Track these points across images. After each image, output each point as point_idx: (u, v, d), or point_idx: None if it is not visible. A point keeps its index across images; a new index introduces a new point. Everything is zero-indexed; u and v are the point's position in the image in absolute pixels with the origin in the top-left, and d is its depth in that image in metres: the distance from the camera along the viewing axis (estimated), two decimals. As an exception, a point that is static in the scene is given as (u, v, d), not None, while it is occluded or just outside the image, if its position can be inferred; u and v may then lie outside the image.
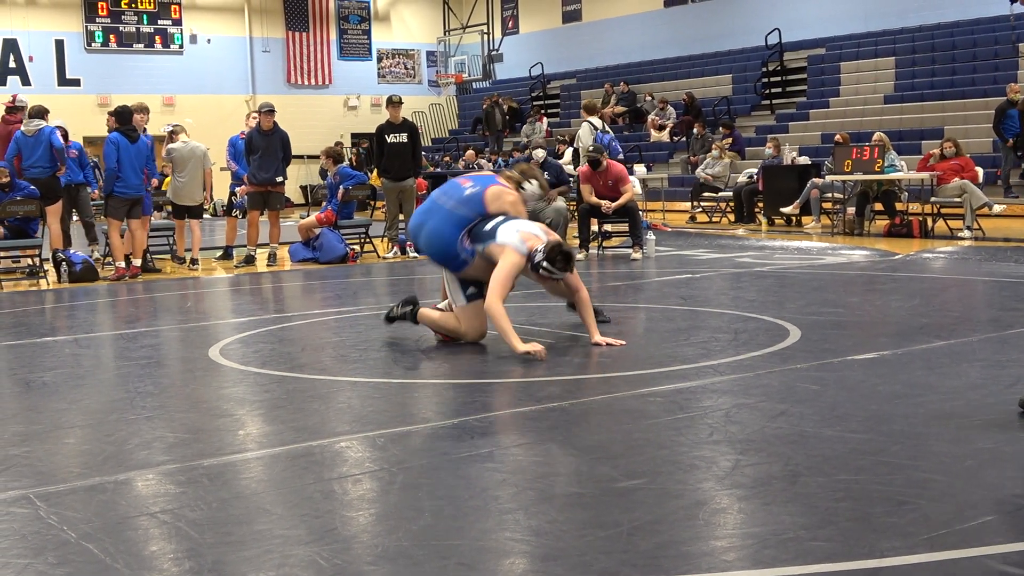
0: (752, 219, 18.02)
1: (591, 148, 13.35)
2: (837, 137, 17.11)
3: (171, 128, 14.16)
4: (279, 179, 13.70)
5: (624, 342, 6.69)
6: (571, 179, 14.70)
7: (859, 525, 3.34)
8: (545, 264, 6.47)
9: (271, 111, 13.84)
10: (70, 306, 10.32)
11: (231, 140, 14.52)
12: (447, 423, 4.91)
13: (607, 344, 6.61)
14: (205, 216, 17.49)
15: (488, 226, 6.72)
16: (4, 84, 27.94)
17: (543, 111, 27.60)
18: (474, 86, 32.05)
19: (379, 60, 34.31)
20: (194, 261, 13.67)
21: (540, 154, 13.47)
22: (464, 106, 33.32)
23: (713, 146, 20.11)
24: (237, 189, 14.50)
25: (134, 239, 12.72)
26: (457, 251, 6.72)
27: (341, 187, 14.65)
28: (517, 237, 6.58)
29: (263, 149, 13.58)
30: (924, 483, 3.76)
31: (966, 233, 14.12)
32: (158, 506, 3.83)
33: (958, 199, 14.50)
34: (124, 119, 12.68)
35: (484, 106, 29.39)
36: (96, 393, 5.97)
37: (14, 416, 5.39)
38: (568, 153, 17.56)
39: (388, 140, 14.24)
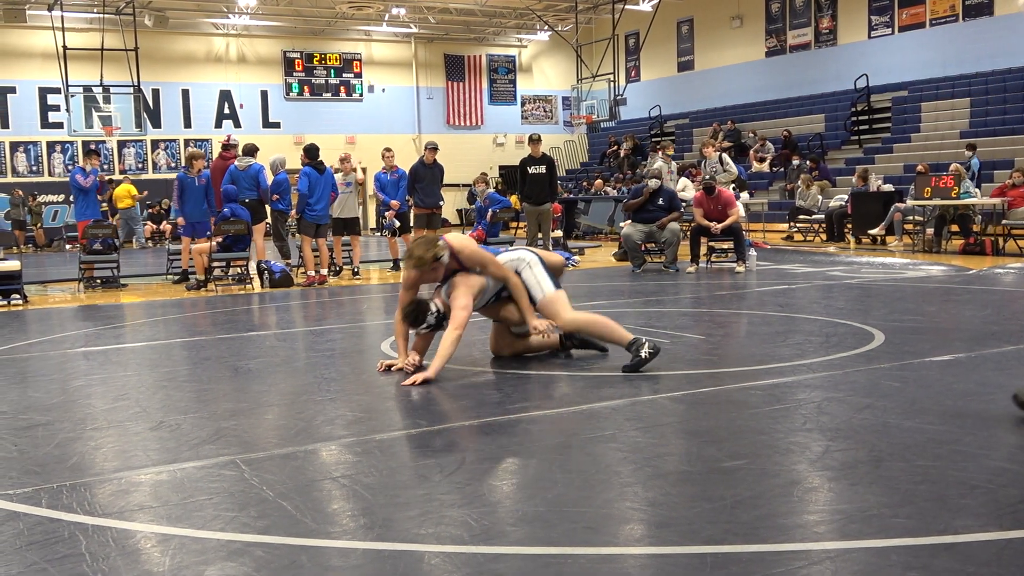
0: (842, 238, 17.63)
1: (707, 177, 13.25)
2: (918, 168, 16.63)
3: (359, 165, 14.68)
4: (440, 203, 14.16)
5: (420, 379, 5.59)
6: (684, 204, 14.56)
7: (935, 505, 3.22)
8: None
9: (435, 148, 14.17)
10: (270, 306, 10.63)
11: (376, 176, 14.68)
12: (576, 409, 4.89)
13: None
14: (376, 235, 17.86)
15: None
16: (220, 127, 28.98)
17: (660, 146, 27.34)
18: (602, 126, 31.92)
19: (522, 104, 34.48)
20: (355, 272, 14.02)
21: (654, 184, 13.31)
22: (593, 142, 33.24)
23: (800, 179, 19.76)
24: (386, 213, 14.70)
25: (320, 253, 13.06)
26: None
27: (490, 210, 14.79)
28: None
29: (427, 179, 13.88)
30: (994, 470, 3.60)
31: (1034, 251, 13.58)
32: (339, 472, 3.90)
33: (1027, 221, 13.97)
34: (313, 155, 13.01)
35: (610, 143, 29.26)
36: (290, 378, 6.11)
37: (225, 396, 5.55)
38: (681, 182, 17.36)
39: (529, 171, 14.33)
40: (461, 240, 6.02)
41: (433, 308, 5.86)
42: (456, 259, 5.92)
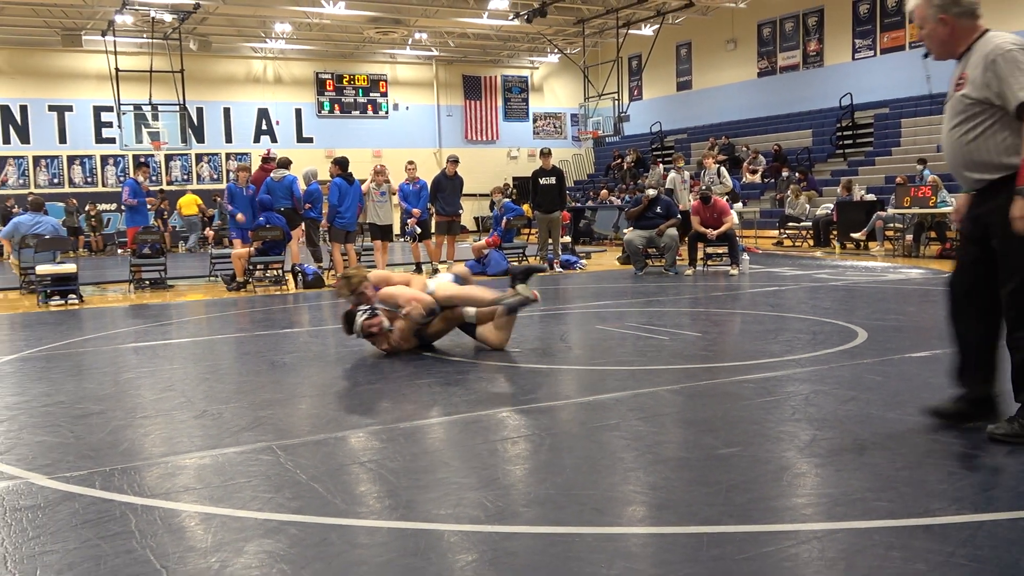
0: (827, 244, 17.55)
1: (704, 188, 13.25)
2: (898, 179, 16.54)
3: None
4: (460, 211, 14.23)
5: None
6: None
7: (915, 490, 3.21)
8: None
9: (456, 161, 14.24)
10: (304, 306, 10.65)
11: (400, 186, 14.59)
12: (584, 400, 4.89)
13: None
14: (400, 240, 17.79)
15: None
16: (258, 142, 29.11)
17: (660, 160, 27.28)
18: (607, 141, 31.86)
19: (534, 121, 34.46)
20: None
21: (651, 193, 13.31)
22: (599, 156, 33.21)
23: (789, 190, 19.69)
24: (408, 221, 14.62)
25: (349, 257, 13.08)
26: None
27: (504, 217, 14.79)
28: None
29: (449, 189, 13.95)
30: (969, 457, 3.59)
31: (1006, 256, 13.48)
32: (366, 457, 3.91)
33: (1000, 228, 13.88)
34: (343, 167, 13.02)
35: (615, 156, 29.17)
36: (322, 371, 6.12)
37: (262, 387, 5.57)
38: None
39: (541, 182, 14.32)
40: (378, 275, 6.89)
41: (364, 307, 6.47)
42: (374, 288, 6.63)
